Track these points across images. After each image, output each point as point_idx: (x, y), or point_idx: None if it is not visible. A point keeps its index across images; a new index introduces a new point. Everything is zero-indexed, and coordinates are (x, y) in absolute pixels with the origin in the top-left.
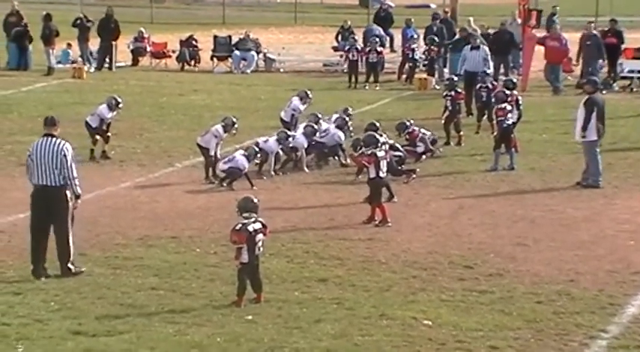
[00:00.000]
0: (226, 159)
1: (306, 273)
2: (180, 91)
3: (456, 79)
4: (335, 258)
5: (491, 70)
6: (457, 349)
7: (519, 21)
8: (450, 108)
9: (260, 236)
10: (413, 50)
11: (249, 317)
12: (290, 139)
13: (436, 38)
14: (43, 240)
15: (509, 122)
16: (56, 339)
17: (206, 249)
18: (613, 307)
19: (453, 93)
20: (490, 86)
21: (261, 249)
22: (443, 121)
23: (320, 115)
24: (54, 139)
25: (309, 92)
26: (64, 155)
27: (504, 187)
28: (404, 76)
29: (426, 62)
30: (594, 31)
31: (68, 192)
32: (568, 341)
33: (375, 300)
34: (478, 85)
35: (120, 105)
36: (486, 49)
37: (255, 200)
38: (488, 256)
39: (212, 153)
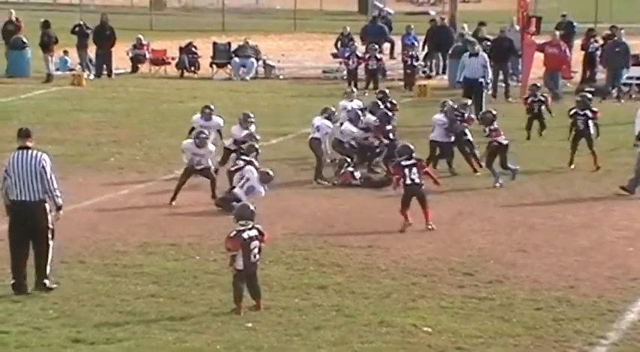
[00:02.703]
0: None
1: (306, 280)
2: (180, 98)
3: (590, 96)
4: (335, 265)
5: (490, 78)
6: None
7: (517, 27)
8: (580, 127)
9: (255, 243)
10: (411, 57)
11: (249, 325)
12: (335, 112)
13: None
14: (23, 255)
15: (503, 142)
16: (55, 347)
17: (205, 256)
18: (612, 313)
19: (587, 112)
20: (542, 99)
21: (257, 256)
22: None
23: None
24: (30, 151)
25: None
26: (43, 166)
27: (503, 193)
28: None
29: (425, 69)
30: (623, 39)
31: (47, 206)
32: (567, 348)
33: (374, 307)
34: (530, 99)
35: (251, 119)
36: (485, 55)
37: (252, 207)
38: (488, 263)
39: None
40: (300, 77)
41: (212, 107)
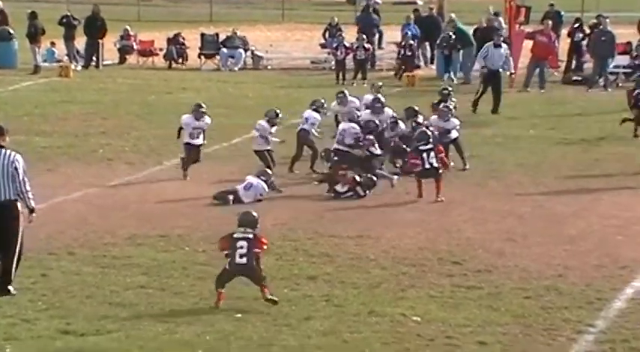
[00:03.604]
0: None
1: (296, 271)
2: (168, 89)
3: (450, 88)
4: (324, 255)
5: (511, 69)
6: (446, 345)
7: (493, 14)
8: None
9: (242, 243)
10: (404, 47)
11: (239, 315)
12: (325, 104)
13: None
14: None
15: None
16: (45, 339)
17: (195, 247)
18: (600, 302)
19: None
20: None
21: (244, 258)
22: None
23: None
24: (3, 151)
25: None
26: (15, 167)
27: (493, 183)
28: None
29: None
30: (608, 27)
31: (19, 207)
32: (556, 336)
33: (364, 297)
34: (636, 91)
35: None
36: (506, 46)
37: (255, 214)
38: (477, 252)
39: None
40: (288, 68)
41: (204, 105)
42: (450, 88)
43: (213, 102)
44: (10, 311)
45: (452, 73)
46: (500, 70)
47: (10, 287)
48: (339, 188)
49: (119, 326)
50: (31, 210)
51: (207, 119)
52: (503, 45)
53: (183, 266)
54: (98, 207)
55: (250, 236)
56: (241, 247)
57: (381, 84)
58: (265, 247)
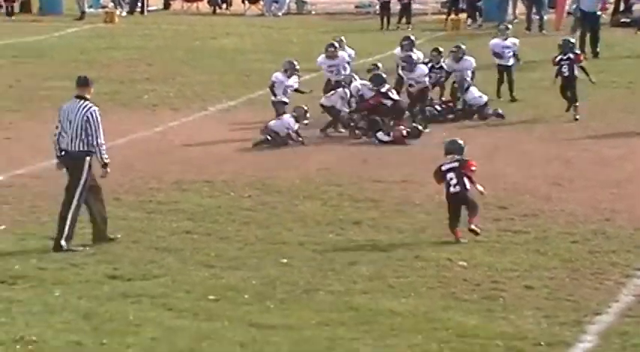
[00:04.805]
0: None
1: (341, 216)
2: (213, 35)
3: (572, 39)
4: (369, 200)
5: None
6: (492, 289)
7: None
8: (566, 73)
9: (450, 175)
10: None
11: (284, 261)
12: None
13: None
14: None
15: None
16: (92, 283)
17: (240, 192)
18: None
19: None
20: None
21: (457, 186)
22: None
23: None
24: (81, 102)
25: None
26: (87, 120)
27: (539, 128)
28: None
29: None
30: None
31: (87, 161)
32: (604, 280)
33: (409, 242)
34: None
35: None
36: None
37: (460, 142)
38: (523, 196)
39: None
40: (332, 12)
41: (296, 62)
42: (572, 40)
43: (257, 47)
44: (58, 256)
45: (479, 19)
46: (599, 12)
47: (63, 243)
48: (380, 136)
49: (165, 271)
50: (104, 165)
51: (295, 78)
52: None
53: (229, 212)
54: (144, 153)
55: (456, 164)
56: (451, 178)
57: (505, 27)
58: (474, 168)
